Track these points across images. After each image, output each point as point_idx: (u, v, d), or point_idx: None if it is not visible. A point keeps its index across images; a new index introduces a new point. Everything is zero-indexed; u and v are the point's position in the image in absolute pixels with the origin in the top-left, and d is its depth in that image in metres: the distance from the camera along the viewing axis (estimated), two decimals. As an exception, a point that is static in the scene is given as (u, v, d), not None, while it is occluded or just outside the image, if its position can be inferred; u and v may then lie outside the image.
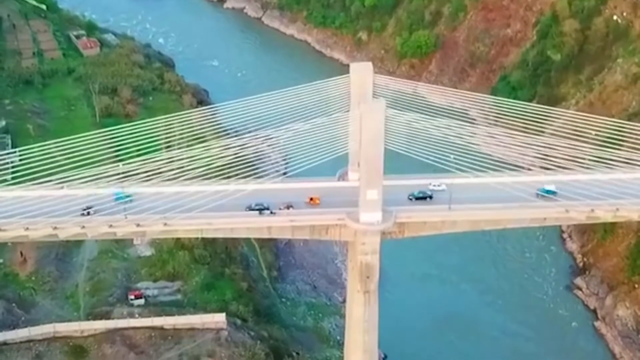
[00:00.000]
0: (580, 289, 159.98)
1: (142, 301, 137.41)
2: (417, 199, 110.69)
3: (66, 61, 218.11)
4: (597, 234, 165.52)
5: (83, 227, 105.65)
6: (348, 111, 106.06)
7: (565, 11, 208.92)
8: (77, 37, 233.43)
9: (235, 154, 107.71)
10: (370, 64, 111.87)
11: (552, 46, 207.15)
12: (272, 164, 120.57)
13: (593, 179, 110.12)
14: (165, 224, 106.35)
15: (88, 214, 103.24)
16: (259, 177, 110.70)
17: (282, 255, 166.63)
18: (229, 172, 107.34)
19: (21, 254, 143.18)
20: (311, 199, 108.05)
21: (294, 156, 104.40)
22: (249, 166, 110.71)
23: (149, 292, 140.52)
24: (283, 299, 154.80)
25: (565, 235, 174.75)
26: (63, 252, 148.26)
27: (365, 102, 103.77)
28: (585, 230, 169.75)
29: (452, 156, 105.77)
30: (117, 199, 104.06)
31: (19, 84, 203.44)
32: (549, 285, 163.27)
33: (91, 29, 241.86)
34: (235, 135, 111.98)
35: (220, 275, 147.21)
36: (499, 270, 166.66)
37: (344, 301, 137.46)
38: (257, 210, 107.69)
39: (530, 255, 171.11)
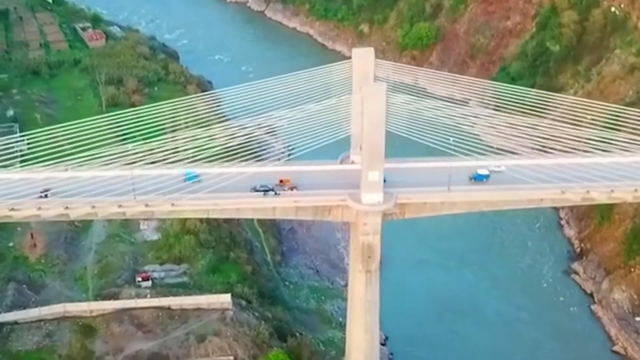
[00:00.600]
0: (578, 274, 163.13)
1: (149, 283, 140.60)
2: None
3: (72, 52, 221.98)
4: (594, 220, 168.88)
5: (93, 207, 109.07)
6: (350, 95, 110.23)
7: (564, 3, 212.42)
8: (83, 29, 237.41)
9: (241, 137, 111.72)
10: (372, 49, 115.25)
11: (551, 37, 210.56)
12: (277, 146, 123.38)
13: (590, 162, 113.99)
14: (172, 204, 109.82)
15: None
16: (263, 160, 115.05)
17: (285, 241, 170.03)
18: (234, 155, 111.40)
19: (32, 235, 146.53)
20: (281, 180, 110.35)
21: (298, 139, 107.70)
22: (253, 149, 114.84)
23: (155, 275, 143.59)
24: (286, 283, 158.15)
25: (563, 222, 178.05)
26: (71, 236, 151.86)
27: (367, 85, 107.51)
28: (582, 217, 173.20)
29: (451, 139, 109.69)
30: (187, 179, 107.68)
31: (27, 75, 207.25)
32: (547, 270, 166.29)
33: (97, 21, 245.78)
34: (240, 119, 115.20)
35: (225, 259, 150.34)
36: (499, 256, 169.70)
37: (346, 285, 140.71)
38: (261, 191, 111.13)
39: (529, 242, 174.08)
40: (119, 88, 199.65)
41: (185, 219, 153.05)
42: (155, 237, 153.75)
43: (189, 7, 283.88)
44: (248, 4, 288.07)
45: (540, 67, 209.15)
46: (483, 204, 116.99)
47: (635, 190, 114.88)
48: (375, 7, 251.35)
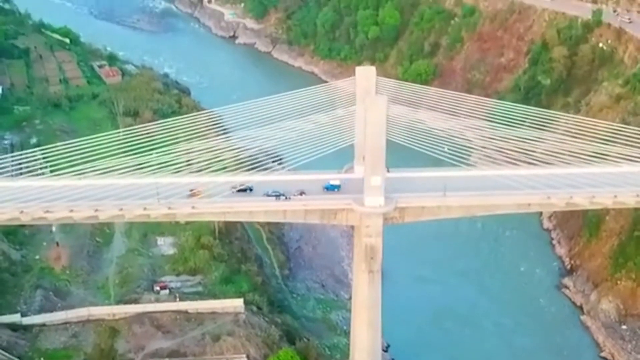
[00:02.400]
0: (568, 288, 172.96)
1: (166, 292, 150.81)
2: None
3: (90, 87, 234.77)
4: (583, 237, 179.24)
5: (121, 209, 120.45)
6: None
7: (554, 39, 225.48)
8: (100, 66, 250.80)
9: (252, 148, 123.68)
10: (373, 67, 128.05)
11: (542, 72, 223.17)
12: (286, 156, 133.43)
13: (572, 172, 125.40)
14: (193, 207, 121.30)
15: None
16: (275, 168, 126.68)
17: (293, 258, 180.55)
18: (249, 165, 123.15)
19: (57, 244, 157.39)
20: (191, 190, 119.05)
21: (307, 148, 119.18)
22: (266, 158, 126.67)
23: (172, 285, 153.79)
24: (294, 295, 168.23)
25: (554, 242, 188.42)
26: (94, 250, 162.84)
27: (369, 97, 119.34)
28: (572, 236, 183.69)
29: (445, 147, 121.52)
30: (328, 187, 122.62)
31: (48, 107, 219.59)
32: (540, 285, 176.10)
33: (112, 59, 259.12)
34: (253, 131, 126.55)
35: (237, 271, 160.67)
36: (494, 273, 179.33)
37: (350, 298, 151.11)
38: (273, 196, 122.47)
39: (523, 260, 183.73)
40: (136, 119, 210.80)
41: (200, 235, 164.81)
42: (171, 251, 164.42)
43: (200, 48, 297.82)
44: (256, 46, 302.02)
45: (533, 100, 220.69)
46: (476, 208, 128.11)
47: (615, 196, 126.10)
48: (377, 46, 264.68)
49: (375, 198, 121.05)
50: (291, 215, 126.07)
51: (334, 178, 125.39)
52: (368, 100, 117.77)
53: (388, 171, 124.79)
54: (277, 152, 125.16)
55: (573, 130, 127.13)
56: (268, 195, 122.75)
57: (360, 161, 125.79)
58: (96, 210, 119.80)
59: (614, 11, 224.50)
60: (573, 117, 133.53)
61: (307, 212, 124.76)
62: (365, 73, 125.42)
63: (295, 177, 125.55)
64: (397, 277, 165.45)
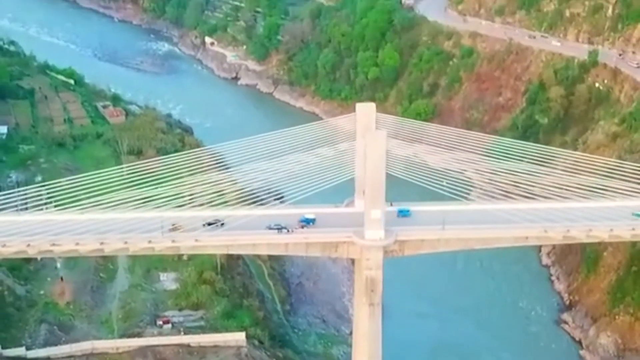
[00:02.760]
0: (567, 323, 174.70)
1: (169, 326, 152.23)
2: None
3: (94, 127, 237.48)
4: (582, 274, 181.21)
5: (126, 242, 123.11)
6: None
7: (552, 79, 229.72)
8: (104, 107, 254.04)
9: (254, 182, 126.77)
10: (373, 104, 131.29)
11: (539, 111, 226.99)
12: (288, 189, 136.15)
13: (569, 206, 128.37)
14: (196, 240, 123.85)
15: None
16: (276, 202, 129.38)
17: (294, 293, 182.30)
18: (252, 198, 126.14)
19: (62, 279, 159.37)
20: (173, 225, 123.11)
21: (307, 182, 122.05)
22: (267, 193, 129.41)
23: (175, 319, 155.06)
24: (295, 330, 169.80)
25: (553, 278, 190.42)
26: (97, 285, 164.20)
27: (369, 132, 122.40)
28: (571, 272, 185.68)
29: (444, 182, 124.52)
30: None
31: (52, 146, 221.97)
32: (540, 321, 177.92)
33: (116, 100, 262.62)
34: (254, 165, 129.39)
35: (239, 306, 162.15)
36: (495, 309, 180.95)
37: (351, 333, 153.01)
38: (275, 229, 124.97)
39: (523, 296, 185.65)
40: (139, 157, 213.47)
41: (202, 270, 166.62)
42: (174, 286, 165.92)
43: (203, 89, 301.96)
44: (257, 87, 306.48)
45: (530, 138, 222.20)
46: (474, 241, 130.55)
47: (611, 230, 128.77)
48: (377, 86, 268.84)
49: (375, 231, 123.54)
50: (293, 248, 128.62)
51: (308, 212, 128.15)
52: (368, 136, 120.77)
53: (391, 205, 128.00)
54: (279, 186, 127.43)
55: (570, 166, 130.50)
56: (270, 228, 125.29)
57: (361, 195, 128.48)
58: (102, 243, 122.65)
59: (620, 54, 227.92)
60: (571, 154, 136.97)
61: (308, 245, 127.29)
62: (365, 109, 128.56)
63: (298, 211, 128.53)
64: (396, 312, 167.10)
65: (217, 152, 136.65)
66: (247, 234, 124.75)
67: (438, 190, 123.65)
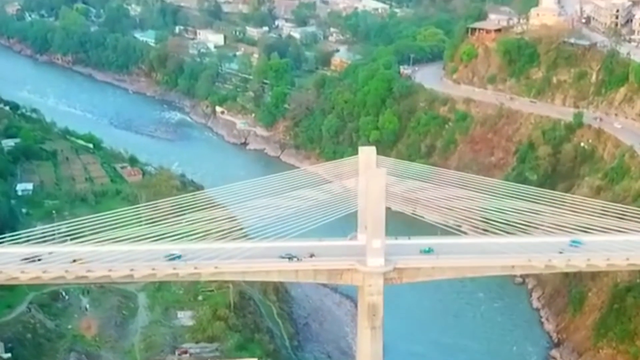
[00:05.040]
0: (555, 359, 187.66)
1: (187, 356, 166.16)
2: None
3: (114, 185, 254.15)
4: (569, 313, 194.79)
5: (153, 269, 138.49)
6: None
7: (540, 140, 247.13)
8: (122, 167, 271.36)
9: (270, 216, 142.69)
10: (374, 147, 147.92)
11: (529, 169, 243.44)
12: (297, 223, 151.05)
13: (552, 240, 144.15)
14: (215, 267, 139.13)
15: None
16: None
17: (301, 332, 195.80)
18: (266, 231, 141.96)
19: (86, 308, 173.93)
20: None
21: (316, 215, 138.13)
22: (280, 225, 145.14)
23: (192, 351, 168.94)
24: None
25: (543, 319, 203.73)
26: (120, 321, 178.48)
27: (370, 170, 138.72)
28: (559, 313, 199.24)
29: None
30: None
31: (75, 201, 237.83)
32: (530, 358, 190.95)
33: (133, 161, 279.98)
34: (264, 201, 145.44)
35: (251, 340, 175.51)
36: (487, 348, 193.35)
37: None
38: (287, 258, 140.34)
39: (514, 337, 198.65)
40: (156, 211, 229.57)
41: (216, 309, 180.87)
42: (190, 323, 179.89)
43: (214, 153, 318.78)
44: (265, 151, 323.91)
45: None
46: (466, 269, 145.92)
47: (588, 260, 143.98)
48: (377, 148, 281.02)
49: (376, 259, 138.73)
50: (302, 275, 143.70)
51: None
52: (369, 173, 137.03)
53: (396, 239, 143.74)
54: (290, 219, 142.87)
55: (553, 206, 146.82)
56: (282, 257, 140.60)
57: (363, 230, 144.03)
58: (132, 270, 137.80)
59: (600, 119, 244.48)
60: (551, 193, 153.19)
61: (316, 272, 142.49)
62: (367, 151, 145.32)
63: (307, 244, 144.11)
64: (394, 351, 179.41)
65: (235, 191, 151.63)
66: (261, 262, 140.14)
67: (433, 223, 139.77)
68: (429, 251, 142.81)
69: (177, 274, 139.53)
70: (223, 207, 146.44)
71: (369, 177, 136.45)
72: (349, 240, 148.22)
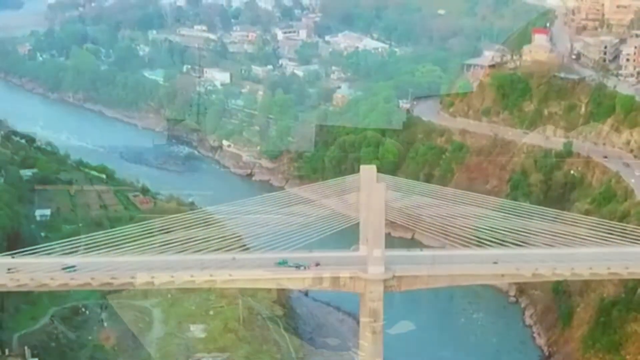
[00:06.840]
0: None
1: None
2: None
3: (127, 212, 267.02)
4: (559, 328, 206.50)
5: (172, 276, 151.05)
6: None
7: (532, 168, 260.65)
8: (134, 196, 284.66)
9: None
10: (374, 165, 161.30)
11: (522, 195, 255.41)
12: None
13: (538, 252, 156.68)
14: (230, 274, 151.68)
15: None
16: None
17: (306, 345, 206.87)
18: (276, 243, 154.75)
19: (104, 321, 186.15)
20: None
21: (321, 227, 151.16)
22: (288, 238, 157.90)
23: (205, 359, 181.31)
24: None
25: (535, 335, 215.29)
26: (137, 333, 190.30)
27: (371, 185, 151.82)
28: (550, 328, 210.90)
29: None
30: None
31: (92, 226, 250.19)
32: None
33: (145, 191, 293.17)
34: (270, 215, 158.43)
35: (259, 351, 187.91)
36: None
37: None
38: (295, 267, 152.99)
39: (507, 352, 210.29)
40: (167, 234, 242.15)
41: (226, 322, 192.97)
42: (202, 335, 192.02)
43: (220, 184, 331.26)
44: (270, 181, 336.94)
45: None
46: (460, 278, 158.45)
47: (572, 269, 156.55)
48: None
49: (377, 267, 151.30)
50: (309, 283, 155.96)
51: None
52: (370, 187, 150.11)
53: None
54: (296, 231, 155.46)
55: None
56: (290, 266, 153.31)
57: (364, 242, 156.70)
58: (152, 277, 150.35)
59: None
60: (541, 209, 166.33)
61: (321, 280, 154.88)
62: (368, 169, 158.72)
63: (313, 255, 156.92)
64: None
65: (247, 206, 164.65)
66: (273, 271, 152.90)
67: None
68: (282, 263, 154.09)
69: (194, 280, 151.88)
70: (235, 221, 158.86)
71: (370, 191, 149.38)
72: (351, 251, 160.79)
